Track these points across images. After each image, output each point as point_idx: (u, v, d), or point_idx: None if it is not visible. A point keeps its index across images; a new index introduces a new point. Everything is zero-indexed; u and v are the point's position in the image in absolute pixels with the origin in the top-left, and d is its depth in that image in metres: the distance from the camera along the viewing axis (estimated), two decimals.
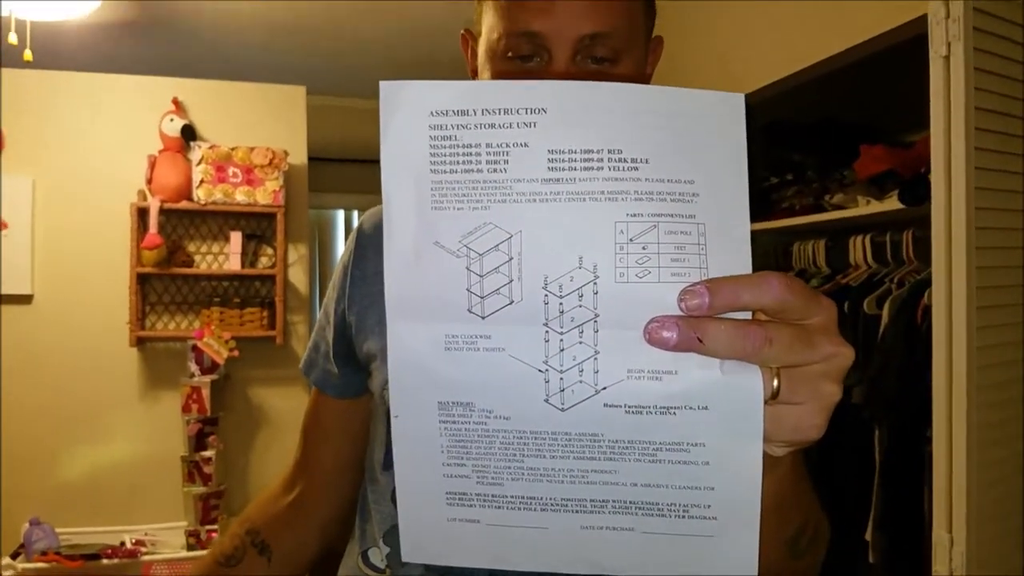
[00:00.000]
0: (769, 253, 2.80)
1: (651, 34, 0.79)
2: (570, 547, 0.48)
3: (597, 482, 0.46)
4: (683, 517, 0.45)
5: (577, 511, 0.47)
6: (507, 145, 0.43)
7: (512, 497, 0.47)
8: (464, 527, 0.48)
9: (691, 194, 0.43)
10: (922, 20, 1.53)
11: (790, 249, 2.65)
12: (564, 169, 0.43)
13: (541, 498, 0.47)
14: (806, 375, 0.42)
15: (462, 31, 0.84)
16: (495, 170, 0.43)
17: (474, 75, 0.81)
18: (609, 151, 0.43)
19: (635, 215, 0.43)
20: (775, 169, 2.74)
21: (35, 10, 2.50)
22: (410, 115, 0.44)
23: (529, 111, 0.43)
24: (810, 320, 0.42)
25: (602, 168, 0.43)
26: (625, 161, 0.43)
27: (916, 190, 1.87)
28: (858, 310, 2.13)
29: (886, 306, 2.01)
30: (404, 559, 0.50)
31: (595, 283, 0.43)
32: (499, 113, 0.43)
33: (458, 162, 0.44)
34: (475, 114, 0.44)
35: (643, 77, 0.77)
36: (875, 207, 2.14)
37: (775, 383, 0.42)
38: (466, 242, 0.44)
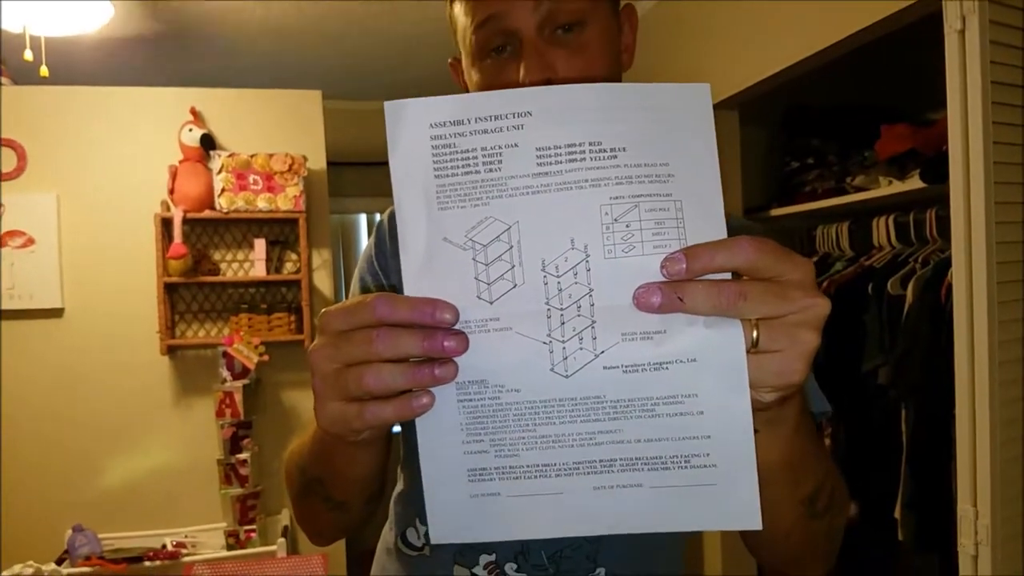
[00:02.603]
0: (793, 237, 2.79)
1: (618, 1, 0.80)
2: (585, 509, 0.52)
3: (604, 442, 0.50)
4: (685, 467, 0.50)
5: (588, 473, 0.51)
6: (500, 147, 0.49)
7: (528, 467, 0.51)
8: (486, 502, 0.52)
9: (667, 175, 0.48)
10: None
11: (814, 233, 2.64)
12: (551, 163, 0.48)
13: (555, 464, 0.51)
14: (783, 325, 0.46)
15: (449, 61, 0.87)
16: (491, 169, 0.49)
17: None
18: (590, 143, 0.48)
19: (617, 198, 0.48)
20: (796, 154, 2.73)
21: (48, 26, 2.54)
22: (413, 129, 0.50)
23: (516, 115, 0.48)
24: (786, 276, 0.46)
25: (584, 159, 0.48)
26: (605, 151, 0.48)
27: (937, 168, 1.85)
28: (882, 291, 2.11)
29: (910, 286, 1.99)
30: (432, 541, 0.53)
31: (587, 261, 0.48)
32: (490, 120, 0.49)
33: (458, 166, 0.49)
34: (470, 122, 0.49)
35: (616, 43, 0.78)
36: (897, 187, 2.12)
37: (754, 334, 0.46)
38: (471, 235, 0.49)
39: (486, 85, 0.75)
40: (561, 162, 0.48)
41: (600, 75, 0.74)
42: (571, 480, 0.51)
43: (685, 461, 0.49)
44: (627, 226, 0.47)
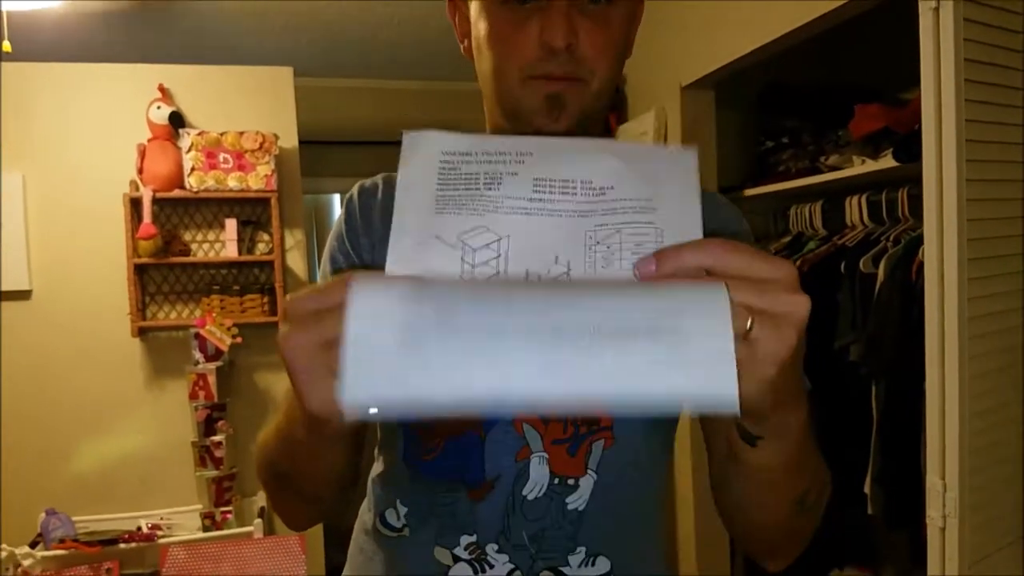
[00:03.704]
0: (767, 217, 2.81)
1: None
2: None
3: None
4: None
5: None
6: (501, 174, 0.55)
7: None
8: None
9: (650, 208, 0.52)
10: None
11: (787, 212, 2.66)
12: (546, 192, 0.54)
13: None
14: (771, 318, 0.47)
15: None
16: (490, 188, 0.54)
17: (464, 40, 0.81)
18: (582, 182, 0.54)
19: (602, 225, 0.53)
20: (770, 133, 2.73)
21: None
22: (425, 154, 0.56)
23: (519, 154, 0.55)
24: (765, 275, 0.47)
25: (576, 194, 0.54)
26: (595, 189, 0.54)
27: (910, 147, 1.86)
28: (855, 270, 2.13)
29: (882, 264, 2.02)
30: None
31: (567, 275, 0.52)
32: (496, 155, 0.55)
33: (460, 183, 0.55)
34: (477, 154, 0.56)
35: (631, 28, 0.78)
36: (870, 166, 2.13)
37: (749, 322, 0.47)
38: (463, 238, 0.53)
39: (498, 36, 0.72)
40: (554, 192, 0.54)
41: (614, 55, 0.73)
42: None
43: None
44: (608, 247, 0.51)
